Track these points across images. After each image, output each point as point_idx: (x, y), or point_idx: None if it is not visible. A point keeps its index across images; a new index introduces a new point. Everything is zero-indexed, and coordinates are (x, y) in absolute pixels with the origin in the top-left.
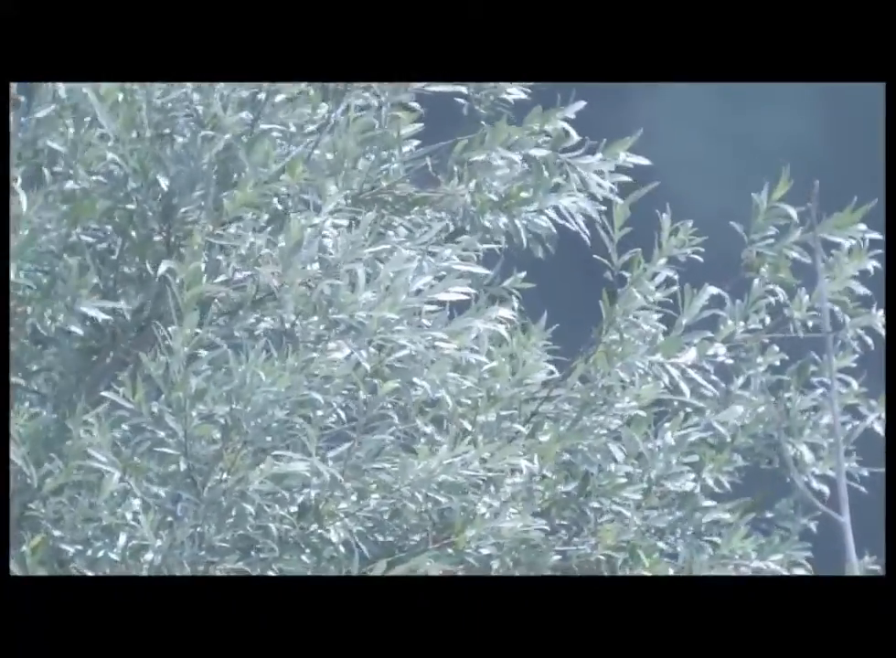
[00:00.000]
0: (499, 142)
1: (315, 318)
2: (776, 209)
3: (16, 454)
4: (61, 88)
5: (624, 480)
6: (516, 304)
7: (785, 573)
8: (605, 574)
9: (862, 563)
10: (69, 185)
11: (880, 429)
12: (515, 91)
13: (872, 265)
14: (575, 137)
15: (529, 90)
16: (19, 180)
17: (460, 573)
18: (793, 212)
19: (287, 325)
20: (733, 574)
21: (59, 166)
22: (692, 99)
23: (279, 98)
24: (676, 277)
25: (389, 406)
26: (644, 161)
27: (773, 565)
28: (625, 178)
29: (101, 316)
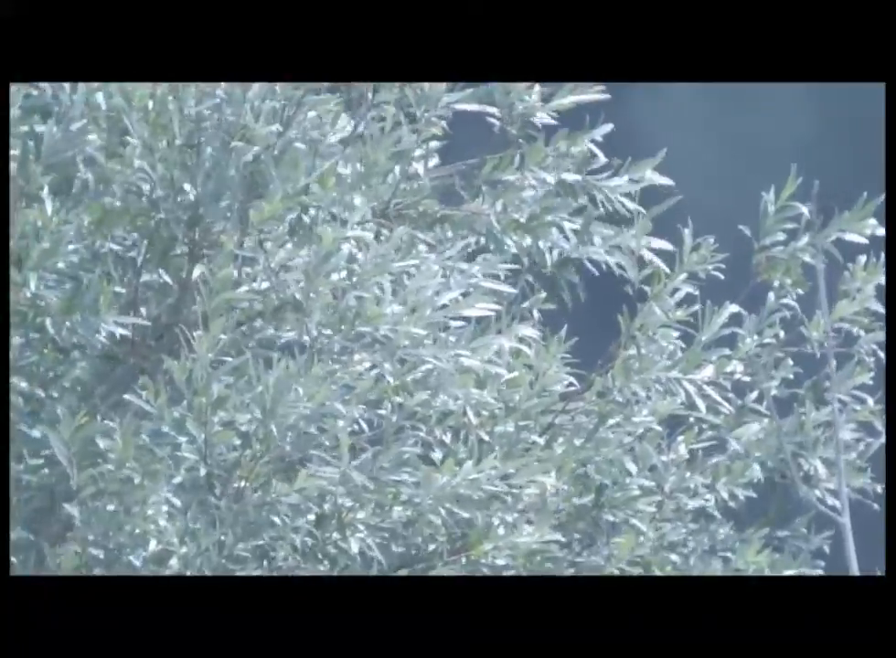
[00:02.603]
0: (535, 162)
1: (342, 329)
2: (785, 210)
3: (62, 456)
4: (99, 95)
5: (637, 492)
6: (537, 316)
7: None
8: None
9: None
10: (97, 192)
11: None
12: (544, 116)
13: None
14: (602, 159)
15: (556, 115)
16: (45, 189)
17: None
18: (805, 210)
19: (312, 336)
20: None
21: (87, 174)
22: (692, 99)
23: (311, 114)
24: (696, 293)
25: (406, 417)
26: (667, 181)
27: None
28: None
29: (122, 332)
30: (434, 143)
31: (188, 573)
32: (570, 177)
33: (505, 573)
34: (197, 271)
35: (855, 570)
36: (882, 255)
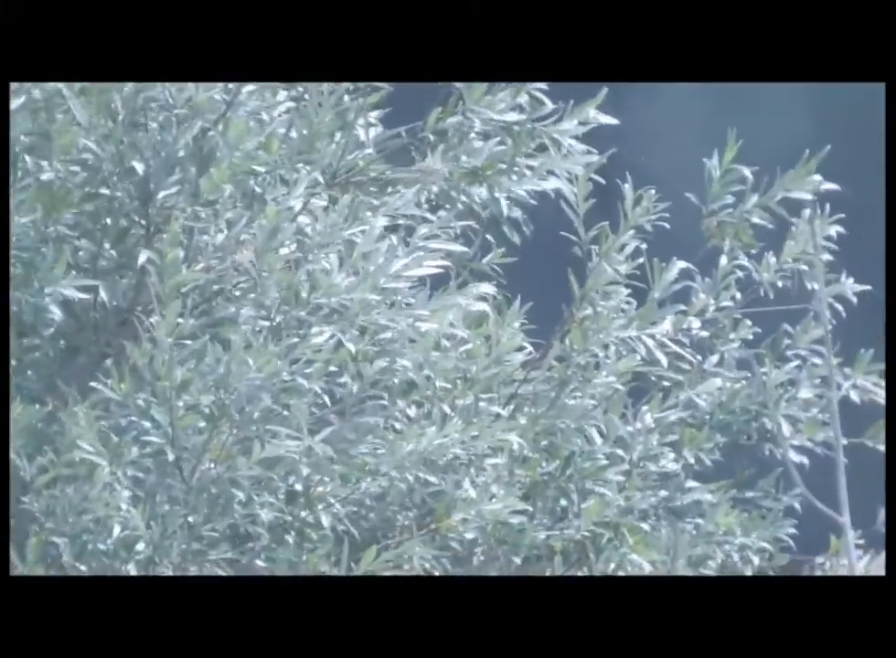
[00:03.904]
0: (474, 101)
1: (297, 303)
2: (730, 174)
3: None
4: None
5: (605, 461)
6: (494, 281)
7: (769, 547)
8: (590, 555)
9: (850, 539)
10: (44, 176)
11: (855, 397)
12: None
13: (835, 230)
14: (549, 105)
15: None
16: None
17: (445, 559)
18: (747, 172)
19: (269, 311)
20: (722, 556)
21: (33, 156)
22: (691, 99)
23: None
24: (644, 247)
25: (371, 387)
26: (612, 120)
27: (757, 541)
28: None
29: (79, 296)
30: (375, 107)
31: (157, 557)
32: (514, 117)
33: (475, 549)
34: (143, 257)
35: (855, 570)
36: (827, 207)
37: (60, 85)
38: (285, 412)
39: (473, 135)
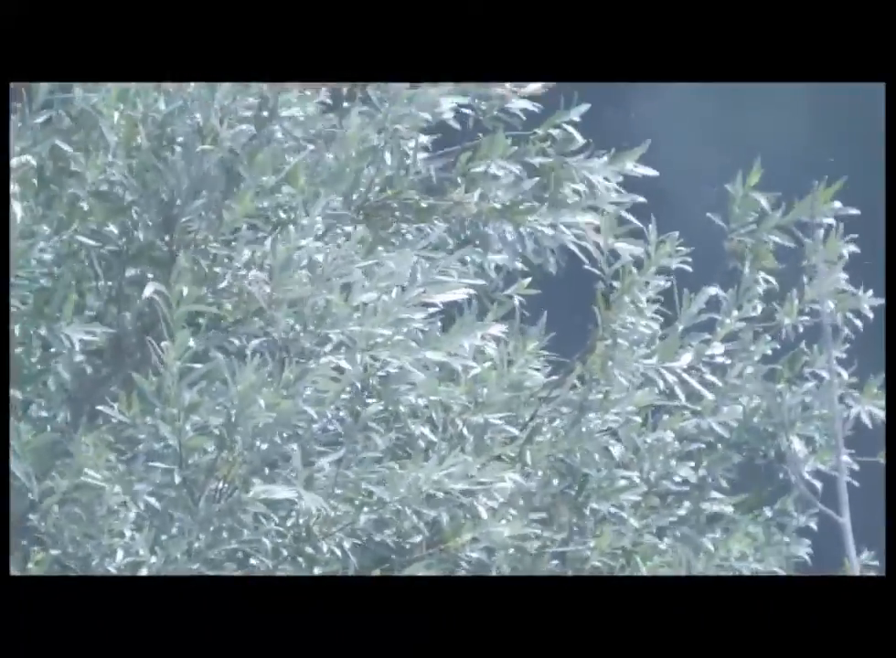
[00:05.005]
0: (497, 153)
1: (307, 333)
2: (750, 198)
3: (17, 469)
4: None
5: (623, 483)
6: (515, 310)
7: (783, 573)
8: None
9: (860, 559)
10: (72, 191)
11: (867, 420)
12: (521, 102)
13: (849, 250)
14: (580, 140)
15: (540, 105)
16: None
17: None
18: (763, 201)
19: (281, 339)
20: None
21: (63, 174)
22: (692, 99)
23: (283, 113)
24: (668, 285)
25: (382, 415)
26: (651, 172)
27: (772, 566)
28: (640, 199)
29: (88, 338)
30: (424, 139)
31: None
32: (541, 160)
33: (486, 566)
34: (149, 290)
35: (855, 570)
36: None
37: (90, 108)
38: (292, 447)
39: (502, 179)
